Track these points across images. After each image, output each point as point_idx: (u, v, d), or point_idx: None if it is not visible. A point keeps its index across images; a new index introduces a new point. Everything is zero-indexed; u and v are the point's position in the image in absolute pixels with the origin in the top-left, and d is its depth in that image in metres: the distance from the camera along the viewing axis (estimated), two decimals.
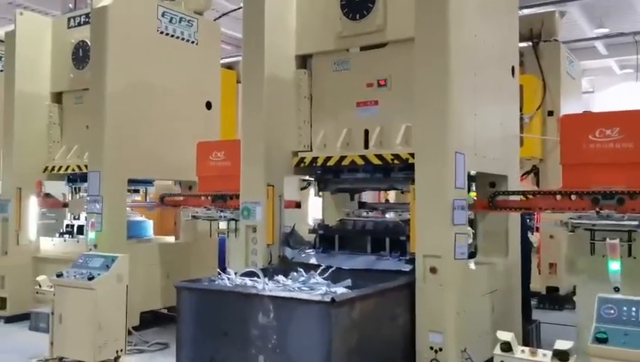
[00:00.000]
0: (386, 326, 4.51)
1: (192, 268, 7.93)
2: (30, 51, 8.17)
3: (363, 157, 5.51)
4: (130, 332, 6.78)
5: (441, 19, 4.74)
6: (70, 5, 8.48)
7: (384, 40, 5.56)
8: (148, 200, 8.60)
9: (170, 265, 7.74)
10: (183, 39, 7.99)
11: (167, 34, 7.76)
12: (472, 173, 5.43)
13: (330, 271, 4.86)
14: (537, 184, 9.04)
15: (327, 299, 3.81)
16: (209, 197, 7.01)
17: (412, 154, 5.02)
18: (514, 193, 5.42)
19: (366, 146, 5.64)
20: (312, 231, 5.98)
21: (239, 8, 8.90)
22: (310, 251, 5.81)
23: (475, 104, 5.15)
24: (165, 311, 7.88)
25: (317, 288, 4.34)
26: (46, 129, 8.29)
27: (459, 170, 4.76)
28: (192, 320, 4.46)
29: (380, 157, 5.40)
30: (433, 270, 4.65)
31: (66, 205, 8.39)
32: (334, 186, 6.01)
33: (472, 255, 5.36)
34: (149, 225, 8.33)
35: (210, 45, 8.45)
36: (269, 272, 5.09)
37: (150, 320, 7.55)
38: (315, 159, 5.79)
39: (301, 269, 5.03)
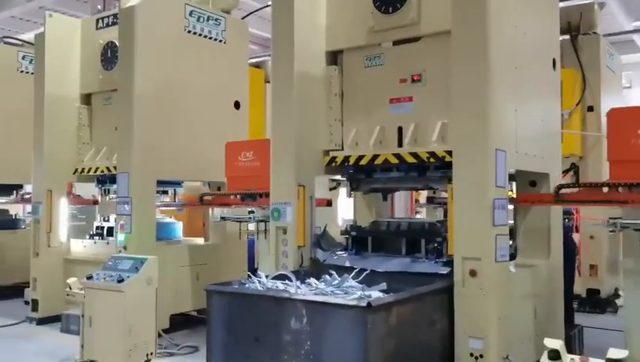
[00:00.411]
0: (424, 332, 4.31)
1: (222, 270, 7.84)
2: (59, 53, 8.17)
3: (397, 155, 5.30)
4: (160, 335, 6.70)
5: (480, 10, 4.52)
6: (99, 7, 8.46)
7: (418, 34, 5.35)
8: (177, 202, 8.53)
9: (199, 267, 7.66)
10: (210, 38, 7.89)
11: (194, 33, 7.67)
12: (511, 171, 5.20)
13: (364, 274, 4.67)
14: (577, 182, 8.69)
15: (363, 303, 3.63)
16: (238, 196, 6.90)
17: (449, 152, 4.81)
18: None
19: (400, 144, 5.43)
20: (344, 232, 5.80)
21: (266, 6, 8.80)
22: (342, 253, 5.63)
23: (515, 99, 4.91)
24: (195, 313, 7.81)
25: (351, 292, 4.16)
26: (75, 131, 8.28)
27: (499, 168, 4.53)
28: (223, 324, 4.33)
29: (414, 155, 5.19)
30: (473, 273, 4.43)
31: (96, 202, 8.37)
32: (367, 186, 5.81)
33: (511, 256, 5.12)
34: (179, 226, 8.26)
35: (238, 44, 8.34)
36: (300, 275, 4.94)
37: (180, 322, 7.47)
38: (346, 158, 5.61)
39: (334, 272, 4.86)
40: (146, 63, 7.08)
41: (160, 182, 7.41)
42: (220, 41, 8.04)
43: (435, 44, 5.21)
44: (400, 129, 5.47)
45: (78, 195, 8.63)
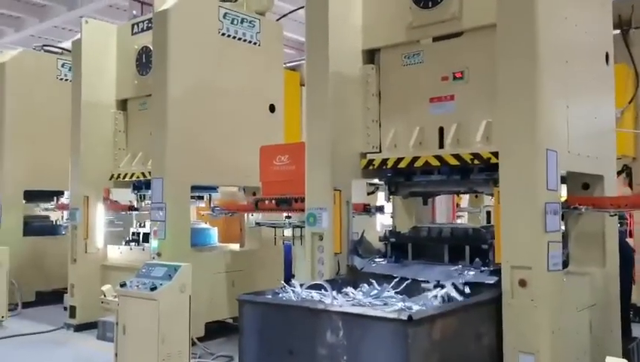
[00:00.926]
0: (470, 347, 4.01)
1: (258, 276, 7.68)
2: (96, 59, 8.18)
3: (438, 157, 5.02)
4: (194, 344, 6.58)
5: (528, 1, 4.21)
6: (134, 12, 8.45)
7: (460, 29, 5.05)
8: (212, 207, 8.41)
9: (235, 274, 7.52)
10: (244, 40, 7.76)
11: (229, 35, 7.55)
12: (562, 173, 4.85)
13: (405, 283, 4.40)
14: (630, 185, 8.21)
15: (404, 316, 3.36)
16: (273, 201, 6.72)
17: (494, 153, 4.50)
18: None
19: (441, 145, 5.15)
20: (383, 238, 5.54)
21: (300, 8, 8.64)
22: (381, 260, 5.37)
23: (566, 95, 4.57)
24: (231, 321, 7.65)
25: (391, 303, 3.91)
26: (112, 137, 8.27)
27: (550, 170, 4.20)
28: (256, 336, 4.13)
29: (457, 157, 4.90)
30: (523, 283, 4.11)
31: (132, 208, 8.33)
32: (406, 190, 5.55)
33: (563, 264, 4.77)
34: (214, 232, 8.14)
35: (273, 46, 8.19)
36: (337, 284, 4.71)
37: (215, 330, 7.33)
38: (384, 161, 5.35)
39: (372, 281, 4.62)
40: (180, 67, 6.98)
41: (195, 188, 7.30)
42: (255, 43, 7.90)
43: (479, 38, 4.92)
44: (441, 129, 5.19)
45: (115, 201, 8.64)
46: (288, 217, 6.91)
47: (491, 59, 4.52)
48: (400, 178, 5.44)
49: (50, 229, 10.32)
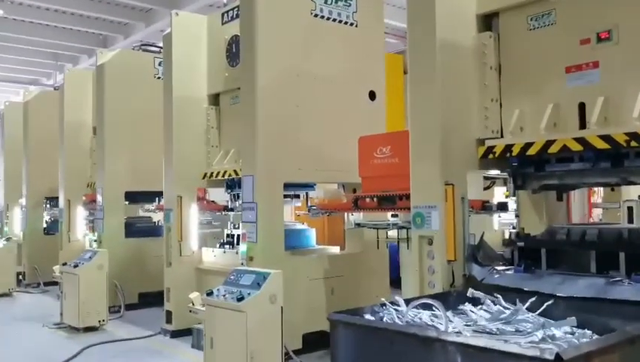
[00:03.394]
0: None
1: (361, 283, 6.93)
2: (187, 52, 7.79)
3: (580, 140, 3.97)
4: (290, 358, 5.94)
5: None
6: (225, 0, 7.98)
7: None
8: (309, 206, 7.72)
9: (335, 280, 6.78)
10: (340, 22, 7.00)
11: (322, 17, 6.83)
12: None
13: (545, 304, 3.41)
14: None
15: (550, 354, 2.42)
16: (374, 199, 5.91)
17: None
18: None
19: (582, 125, 4.11)
20: (508, 242, 4.57)
21: None
22: (506, 270, 4.40)
23: None
24: None
25: (527, 331, 2.96)
26: (204, 133, 7.85)
27: None
28: None
29: (606, 138, 3.83)
30: None
31: (226, 208, 7.87)
32: (537, 182, 4.50)
33: None
34: (312, 233, 7.46)
35: (372, 27, 7.36)
36: (451, 298, 3.84)
37: (315, 341, 6.61)
38: (508, 147, 4.36)
39: (498, 296, 3.68)
40: (270, 54, 6.36)
41: (289, 185, 6.66)
42: (352, 24, 7.11)
43: None
44: (582, 105, 4.14)
45: (212, 201, 8.23)
46: (395, 216, 6.04)
47: None
48: (529, 168, 4.41)
49: (151, 230, 10.19)
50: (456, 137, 4.53)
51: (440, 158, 4.40)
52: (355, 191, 7.14)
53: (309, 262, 6.74)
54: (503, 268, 4.49)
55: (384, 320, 3.38)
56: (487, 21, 4.73)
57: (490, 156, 4.49)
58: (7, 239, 12.11)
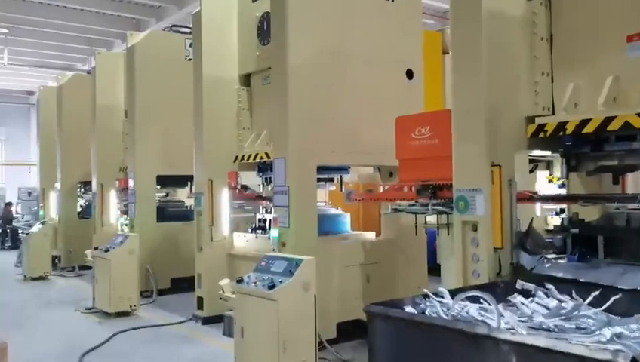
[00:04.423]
0: None
1: (397, 271, 6.65)
2: (217, 32, 7.56)
3: None
4: (324, 347, 5.71)
5: None
6: None
7: None
8: (346, 192, 7.44)
9: (370, 267, 6.51)
10: None
11: None
12: None
13: (612, 298, 3.05)
14: None
15: (624, 359, 2.10)
16: (412, 189, 5.58)
17: None
18: None
19: None
20: (560, 228, 4.21)
21: None
22: (558, 259, 4.05)
23: None
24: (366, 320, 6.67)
25: (590, 328, 2.64)
26: (235, 115, 7.62)
27: None
28: (389, 359, 3.08)
29: None
30: None
31: (260, 197, 7.66)
32: (593, 164, 4.13)
33: None
34: (346, 218, 7.19)
35: (410, 2, 6.99)
36: (498, 290, 3.52)
37: (350, 331, 6.37)
38: (562, 125, 3.99)
39: (550, 287, 3.35)
40: (302, 31, 6.06)
41: (322, 168, 6.38)
42: None
43: None
44: None
45: (245, 186, 8.02)
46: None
47: None
48: (585, 147, 4.03)
49: (184, 215, 10.07)
50: (503, 115, 4.18)
51: (485, 138, 4.06)
52: (391, 174, 6.84)
53: (344, 248, 6.47)
54: (553, 256, 4.16)
55: (427, 313, 3.09)
56: None
57: (541, 135, 4.13)
58: (43, 223, 12.20)
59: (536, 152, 4.58)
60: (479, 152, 4.08)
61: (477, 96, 4.11)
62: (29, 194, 21.32)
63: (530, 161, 5.62)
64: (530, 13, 4.26)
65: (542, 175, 5.94)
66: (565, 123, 3.97)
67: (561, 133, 3.99)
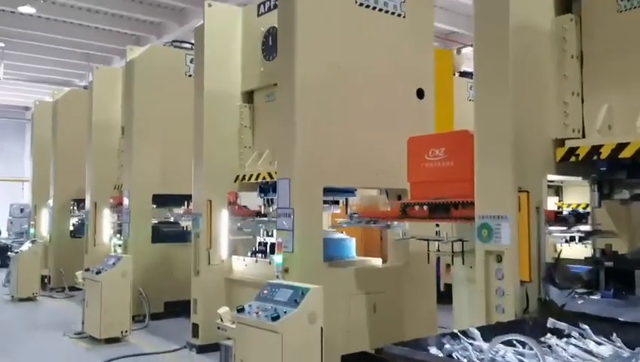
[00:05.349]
0: None
1: (405, 301, 6.29)
2: (220, 46, 7.27)
3: None
4: None
5: None
6: None
7: None
8: (350, 214, 7.11)
9: (377, 296, 6.13)
10: (387, 12, 6.38)
11: (367, 6, 6.22)
12: None
13: None
14: None
15: None
16: (424, 207, 5.26)
17: None
18: None
19: None
20: (592, 260, 3.88)
21: None
22: (590, 294, 3.72)
23: None
24: (372, 352, 6.29)
25: None
26: (237, 133, 7.31)
27: None
28: None
29: None
30: None
31: (259, 214, 7.31)
32: (628, 191, 3.82)
33: None
34: (351, 243, 6.84)
35: (421, 18, 6.72)
36: (526, 328, 3.19)
37: None
38: (596, 149, 3.70)
39: (586, 327, 3.02)
40: (310, 45, 5.78)
41: (328, 190, 6.06)
42: (399, 15, 6.49)
43: None
44: None
45: (244, 206, 7.69)
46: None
47: None
48: (620, 173, 3.73)
49: (180, 236, 9.68)
50: (530, 136, 3.89)
51: (512, 161, 3.75)
52: (400, 197, 6.51)
53: (350, 275, 6.10)
54: (583, 290, 3.83)
55: (456, 356, 2.74)
56: (567, 3, 4.09)
57: (572, 159, 3.83)
58: (33, 241, 11.79)
59: (564, 177, 4.27)
60: (505, 176, 3.77)
61: (503, 116, 3.81)
62: (22, 211, 20.86)
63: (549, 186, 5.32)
64: (559, 28, 3.99)
65: (551, 201, 5.66)
66: (600, 146, 3.67)
67: (596, 157, 3.69)
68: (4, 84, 20.47)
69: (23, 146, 26.70)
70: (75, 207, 12.62)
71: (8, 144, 26.86)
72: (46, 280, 12.04)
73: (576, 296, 3.71)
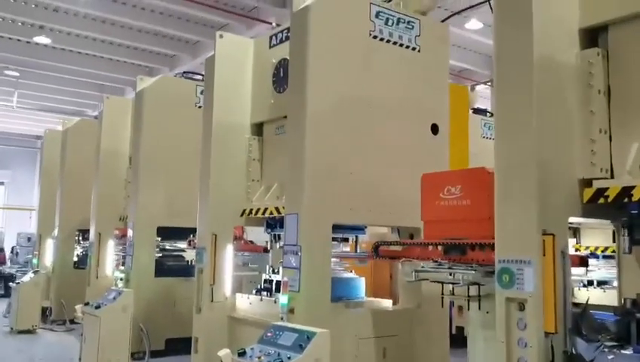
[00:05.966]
0: None
1: (417, 345, 5.95)
2: (230, 77, 7.14)
3: None
4: None
5: None
6: (273, 24, 7.35)
7: None
8: (359, 252, 6.85)
9: (387, 340, 5.83)
10: (401, 45, 6.24)
11: (381, 39, 6.08)
12: None
13: None
14: None
15: None
16: (438, 247, 5.00)
17: None
18: None
19: None
20: (621, 311, 3.58)
21: (479, 4, 6.98)
22: (619, 347, 3.42)
23: None
24: None
25: None
26: (245, 166, 7.11)
27: None
28: None
29: None
30: None
31: (265, 250, 7.05)
32: None
33: None
34: (361, 283, 6.54)
35: (436, 52, 6.57)
36: None
37: None
38: (627, 191, 3.44)
39: None
40: (322, 78, 5.63)
41: (337, 227, 5.81)
42: (414, 48, 6.34)
43: None
44: None
45: (251, 241, 7.45)
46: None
47: None
48: None
49: (184, 270, 9.42)
50: (555, 176, 3.64)
51: (536, 202, 3.49)
52: (412, 236, 6.26)
53: (359, 317, 5.80)
54: (611, 343, 3.52)
55: None
56: (593, 36, 3.89)
57: (601, 200, 3.57)
58: (35, 272, 11.56)
59: (590, 220, 4.01)
60: (529, 218, 3.51)
61: (526, 153, 3.57)
62: (29, 239, 20.71)
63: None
64: (585, 63, 3.79)
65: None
66: (631, 188, 3.42)
67: (628, 199, 3.43)
68: (17, 113, 20.63)
69: (34, 175, 26.77)
70: (81, 238, 12.43)
71: (19, 172, 26.95)
72: (47, 312, 11.77)
73: (606, 349, 3.41)
